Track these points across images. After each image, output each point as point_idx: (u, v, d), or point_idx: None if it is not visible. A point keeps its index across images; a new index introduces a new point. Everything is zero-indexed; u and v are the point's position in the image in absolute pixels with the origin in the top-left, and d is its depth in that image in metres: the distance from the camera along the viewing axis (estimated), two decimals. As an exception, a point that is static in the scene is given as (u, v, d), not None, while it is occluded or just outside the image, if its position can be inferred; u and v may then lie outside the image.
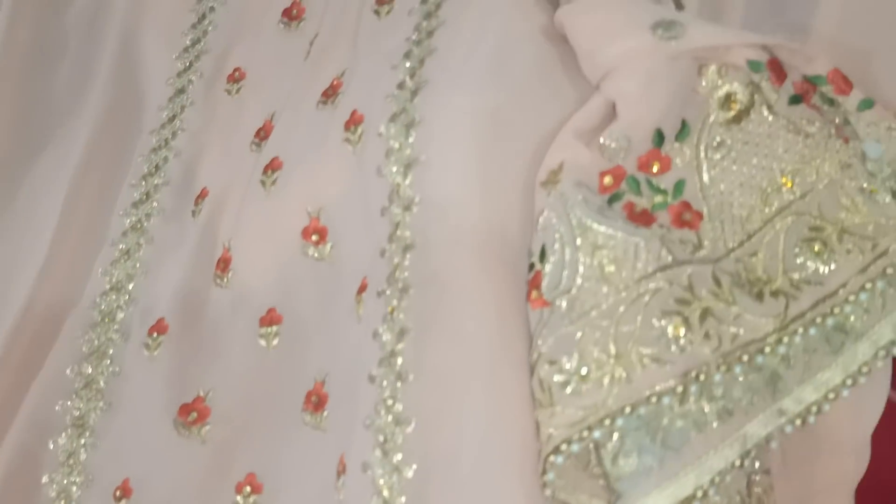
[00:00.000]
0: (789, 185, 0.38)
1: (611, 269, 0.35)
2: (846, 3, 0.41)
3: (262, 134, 0.53)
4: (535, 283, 0.38)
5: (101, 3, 0.63)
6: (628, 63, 0.38)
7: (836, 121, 0.38)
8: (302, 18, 0.56)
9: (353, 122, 0.45)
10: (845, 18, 0.41)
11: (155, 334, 0.49)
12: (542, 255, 0.38)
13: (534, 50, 0.41)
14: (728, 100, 0.38)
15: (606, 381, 0.34)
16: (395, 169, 0.41)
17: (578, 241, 0.36)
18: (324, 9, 0.54)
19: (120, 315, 0.51)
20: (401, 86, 0.43)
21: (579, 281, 0.36)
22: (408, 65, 0.44)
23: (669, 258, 0.35)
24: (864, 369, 0.35)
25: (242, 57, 0.57)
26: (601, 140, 0.38)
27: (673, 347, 0.34)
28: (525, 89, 0.40)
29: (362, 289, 0.42)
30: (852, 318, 0.36)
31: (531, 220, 0.39)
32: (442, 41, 0.43)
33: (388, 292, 0.39)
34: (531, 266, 0.38)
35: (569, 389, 0.35)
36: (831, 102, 0.39)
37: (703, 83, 0.38)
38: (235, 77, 0.56)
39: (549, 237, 0.37)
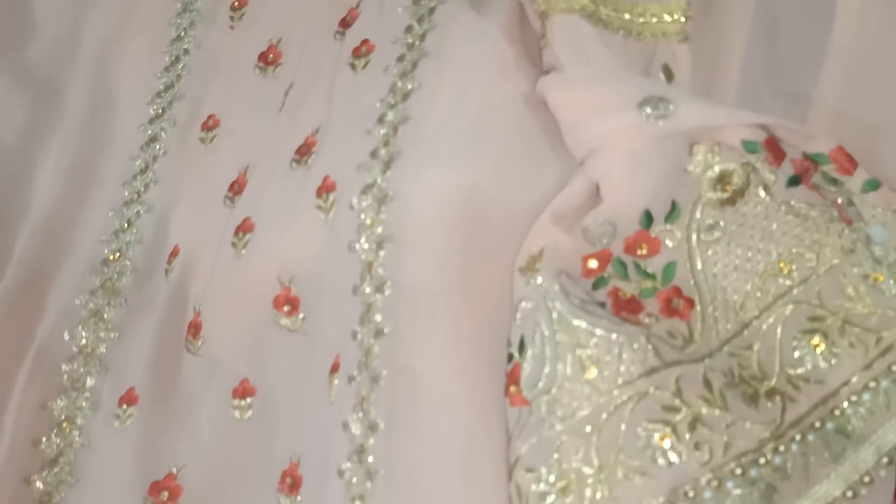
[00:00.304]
0: (787, 270, 0.35)
1: (593, 371, 0.33)
2: (849, 71, 0.38)
3: (236, 188, 0.50)
4: (513, 377, 0.35)
5: (70, 40, 0.60)
6: (613, 143, 0.35)
7: (839, 201, 0.36)
8: (278, 64, 0.53)
9: (326, 188, 0.43)
10: (848, 89, 0.38)
11: (125, 406, 0.47)
12: (521, 347, 0.35)
13: (514, 119, 0.39)
14: (721, 180, 0.36)
15: (588, 494, 0.32)
16: (366, 246, 0.39)
17: (559, 337, 0.34)
18: (300, 55, 0.52)
19: (90, 382, 0.49)
20: (374, 154, 0.41)
21: (560, 381, 0.33)
22: (382, 132, 0.41)
23: (656, 361, 0.33)
24: (867, 479, 0.32)
25: (217, 103, 0.54)
26: (584, 223, 0.35)
27: (660, 460, 0.32)
28: (504, 163, 0.38)
29: (335, 368, 0.40)
30: (854, 420, 0.33)
31: (509, 307, 0.37)
32: (417, 107, 0.41)
33: (358, 379, 0.37)
34: (510, 356, 0.36)
35: (548, 501, 0.32)
36: (833, 182, 0.36)
37: (694, 163, 0.36)
38: (209, 125, 0.54)
39: (528, 329, 0.35)
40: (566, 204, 0.36)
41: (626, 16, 0.39)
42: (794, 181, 0.35)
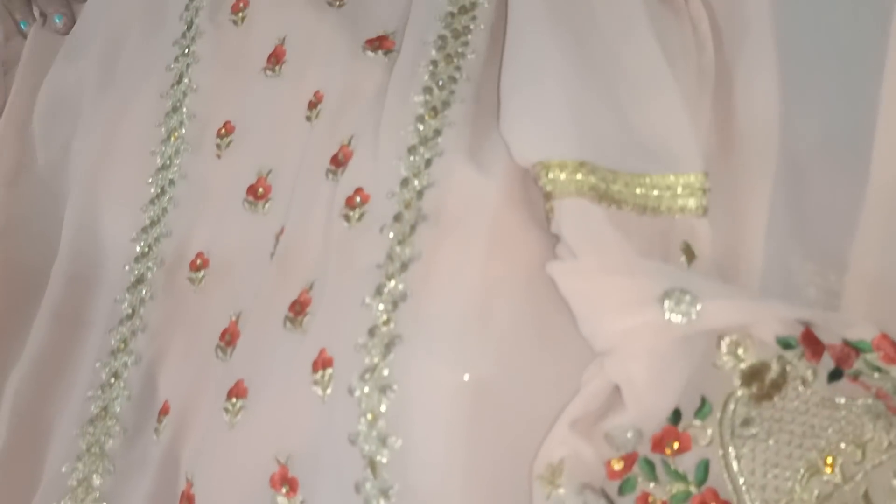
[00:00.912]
0: (831, 468, 0.32)
1: None
2: (888, 229, 0.35)
3: (228, 338, 0.47)
4: None
5: (60, 167, 0.58)
6: (635, 343, 0.32)
7: (886, 388, 0.33)
8: (268, 199, 0.50)
9: (322, 363, 0.40)
10: (889, 250, 0.35)
11: None
12: (544, 564, 0.32)
13: (520, 298, 0.36)
14: (755, 375, 0.32)
15: None
16: (367, 445, 0.36)
17: (583, 564, 0.30)
18: (290, 195, 0.49)
19: None
20: (372, 332, 0.38)
21: None
22: (380, 306, 0.38)
23: None
24: None
25: (205, 240, 0.51)
26: (606, 429, 0.32)
27: None
28: (512, 352, 0.35)
29: None
30: None
31: None
32: (416, 282, 0.38)
33: None
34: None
35: None
36: (878, 370, 0.33)
37: (724, 357, 0.33)
38: (198, 264, 0.51)
39: (550, 547, 0.32)
40: (585, 407, 0.33)
41: (639, 190, 0.36)
42: (836, 375, 0.32)
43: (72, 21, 0.63)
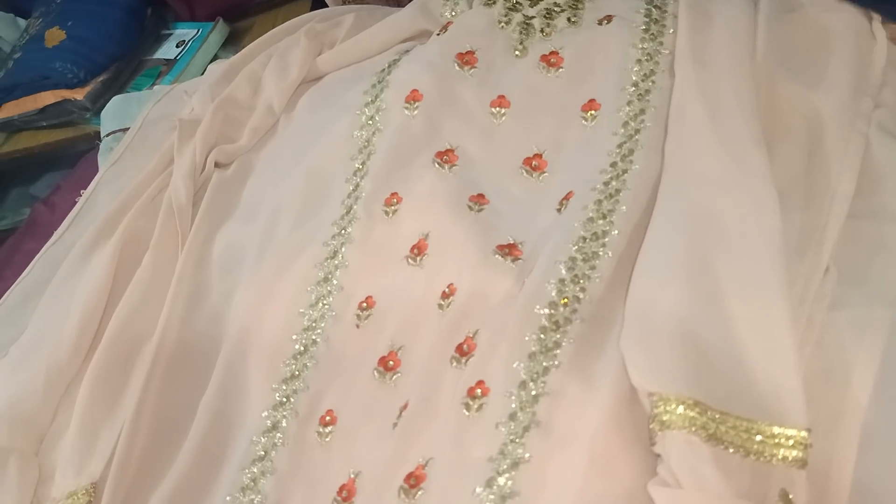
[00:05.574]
0: None
1: None
2: None
3: (345, 494, 0.53)
4: None
5: (221, 314, 0.66)
6: None
7: None
8: (396, 372, 0.57)
9: None
10: None
11: None
12: None
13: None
14: None
15: None
16: None
17: None
18: (418, 371, 0.55)
19: None
20: None
21: None
22: (490, 498, 0.44)
23: None
24: None
25: (336, 399, 0.58)
26: None
27: None
28: None
29: None
30: None
31: None
32: (524, 483, 0.44)
33: None
34: None
35: None
36: None
37: None
38: (327, 420, 0.57)
39: None
40: None
41: (745, 435, 0.41)
42: None
43: None
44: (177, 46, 1.17)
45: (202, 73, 1.06)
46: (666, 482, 0.41)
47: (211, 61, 1.12)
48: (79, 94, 1.12)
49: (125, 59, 1.16)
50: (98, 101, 1.11)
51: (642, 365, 0.45)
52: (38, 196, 1.20)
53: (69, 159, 1.12)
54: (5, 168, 1.22)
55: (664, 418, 0.42)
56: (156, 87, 0.95)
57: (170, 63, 1.15)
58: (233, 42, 1.18)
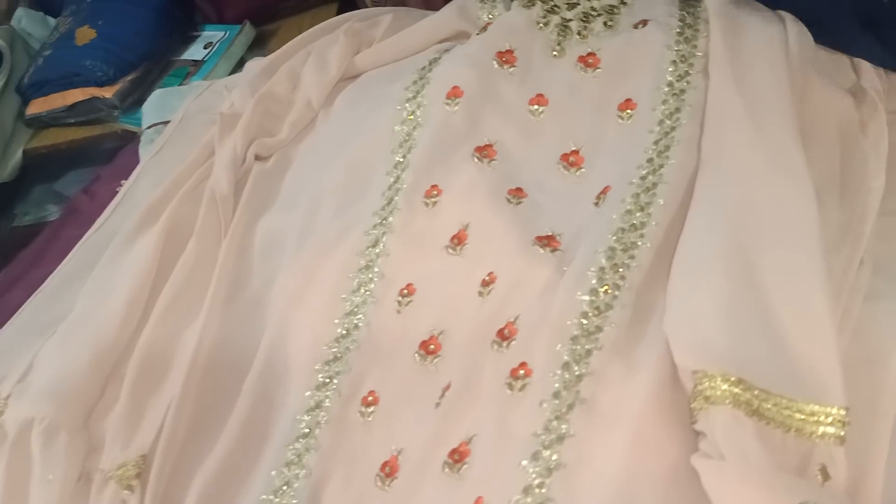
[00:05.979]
0: None
1: None
2: None
3: (388, 470, 0.55)
4: None
5: (262, 300, 0.68)
6: None
7: None
8: (438, 355, 0.59)
9: None
10: None
11: None
12: None
13: (662, 490, 0.43)
14: None
15: None
16: None
17: None
18: (459, 355, 0.57)
19: None
20: (526, 491, 0.46)
21: None
22: (535, 469, 0.46)
23: None
24: None
25: (378, 381, 0.60)
26: None
27: None
28: None
29: None
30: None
31: None
32: (569, 456, 0.46)
33: None
34: None
35: None
36: None
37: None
38: (369, 401, 0.59)
39: None
40: None
41: (786, 412, 0.44)
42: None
43: None
44: (204, 48, 1.19)
45: (228, 74, 1.09)
46: (709, 456, 0.43)
47: (237, 64, 1.15)
48: (108, 93, 1.13)
49: (154, 59, 1.17)
50: (126, 100, 1.13)
51: (686, 344, 0.47)
52: (62, 193, 1.22)
53: (94, 157, 1.14)
54: (31, 164, 1.24)
55: (708, 394, 0.44)
56: (196, 82, 0.98)
57: (197, 64, 1.17)
58: (259, 45, 1.20)
